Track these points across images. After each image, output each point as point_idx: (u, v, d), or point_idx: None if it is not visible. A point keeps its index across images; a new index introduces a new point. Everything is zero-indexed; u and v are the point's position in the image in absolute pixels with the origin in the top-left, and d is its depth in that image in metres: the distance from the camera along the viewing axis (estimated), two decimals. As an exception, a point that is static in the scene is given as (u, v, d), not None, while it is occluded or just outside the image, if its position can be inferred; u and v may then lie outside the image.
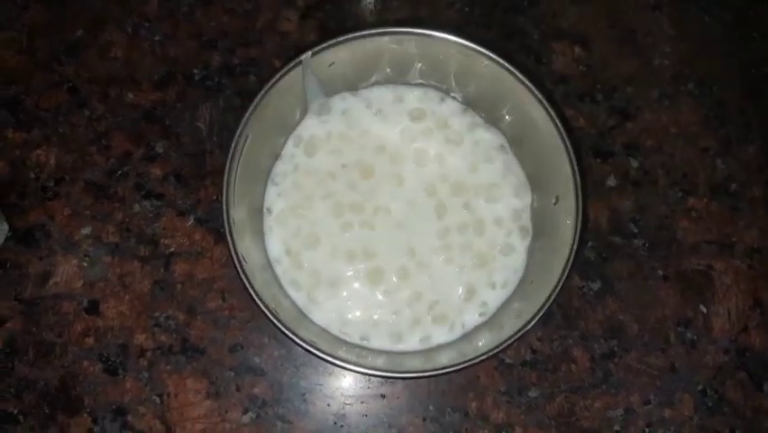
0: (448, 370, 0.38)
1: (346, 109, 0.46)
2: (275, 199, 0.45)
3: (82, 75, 0.50)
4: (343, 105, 0.46)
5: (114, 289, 0.47)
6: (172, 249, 0.47)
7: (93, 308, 0.46)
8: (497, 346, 0.38)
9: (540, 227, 0.45)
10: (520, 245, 0.45)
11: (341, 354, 0.39)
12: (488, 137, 0.46)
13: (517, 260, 0.44)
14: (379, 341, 0.43)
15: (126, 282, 0.47)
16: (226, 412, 0.45)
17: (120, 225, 0.48)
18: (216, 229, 0.48)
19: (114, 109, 0.50)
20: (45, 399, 0.45)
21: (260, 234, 0.44)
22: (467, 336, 0.43)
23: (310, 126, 0.46)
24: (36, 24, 0.51)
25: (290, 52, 0.51)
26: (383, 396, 0.46)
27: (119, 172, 0.49)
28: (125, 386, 0.45)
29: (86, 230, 0.48)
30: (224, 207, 0.39)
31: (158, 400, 0.45)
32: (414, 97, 0.46)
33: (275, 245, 0.44)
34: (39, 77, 0.50)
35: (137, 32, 0.51)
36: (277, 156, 0.45)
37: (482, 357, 0.38)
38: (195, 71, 0.51)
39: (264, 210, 0.44)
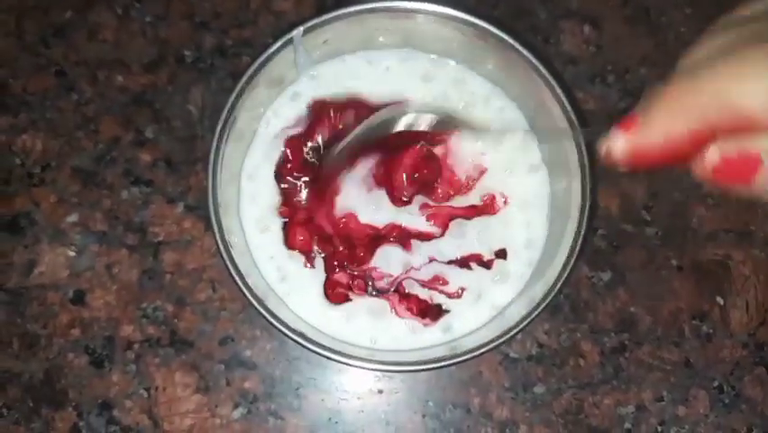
0: (444, 364, 0.37)
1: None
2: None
3: (70, 58, 0.49)
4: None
5: (101, 279, 0.45)
6: (161, 237, 0.46)
7: (79, 298, 0.45)
8: (498, 337, 0.37)
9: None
10: None
11: (333, 345, 0.37)
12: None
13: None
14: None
15: (113, 272, 0.45)
16: (216, 407, 0.44)
17: (108, 212, 0.46)
18: (207, 217, 0.45)
19: (103, 93, 0.48)
20: (29, 392, 0.44)
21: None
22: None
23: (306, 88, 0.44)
24: (24, 6, 0.50)
25: (286, 32, 0.48)
26: (380, 391, 0.44)
27: (107, 158, 0.47)
28: (112, 379, 0.44)
29: (72, 218, 0.46)
30: (210, 191, 0.38)
31: (145, 395, 0.44)
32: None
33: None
34: (26, 60, 0.49)
35: (127, 13, 0.50)
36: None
37: (482, 350, 0.36)
38: (186, 53, 0.49)
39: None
